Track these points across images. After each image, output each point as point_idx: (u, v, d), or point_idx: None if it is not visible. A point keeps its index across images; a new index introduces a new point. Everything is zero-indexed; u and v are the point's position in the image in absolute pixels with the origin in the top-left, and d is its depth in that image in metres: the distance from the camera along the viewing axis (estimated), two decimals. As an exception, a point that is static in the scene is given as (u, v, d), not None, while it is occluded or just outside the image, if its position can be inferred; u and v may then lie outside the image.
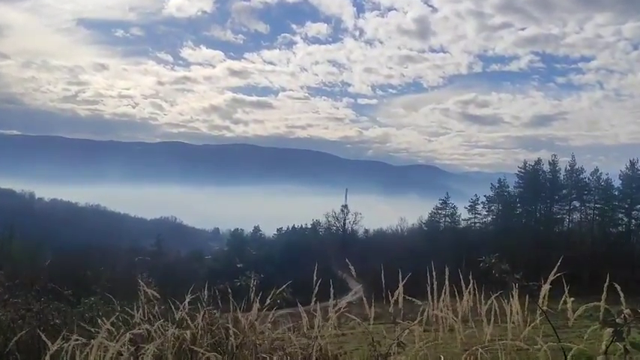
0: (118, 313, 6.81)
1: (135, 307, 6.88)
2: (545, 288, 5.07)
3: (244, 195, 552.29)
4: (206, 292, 7.17)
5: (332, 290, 6.03)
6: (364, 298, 5.96)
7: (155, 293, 7.19)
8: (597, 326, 4.38)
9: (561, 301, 4.95)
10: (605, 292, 4.75)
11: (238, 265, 7.80)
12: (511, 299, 5.44)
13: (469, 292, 5.64)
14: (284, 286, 6.73)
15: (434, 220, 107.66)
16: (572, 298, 4.88)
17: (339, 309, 5.99)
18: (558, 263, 5.12)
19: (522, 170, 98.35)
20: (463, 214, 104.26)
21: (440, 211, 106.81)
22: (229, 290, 7.10)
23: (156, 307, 7.05)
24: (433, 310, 5.65)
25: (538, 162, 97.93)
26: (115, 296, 8.69)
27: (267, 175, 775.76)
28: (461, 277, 5.68)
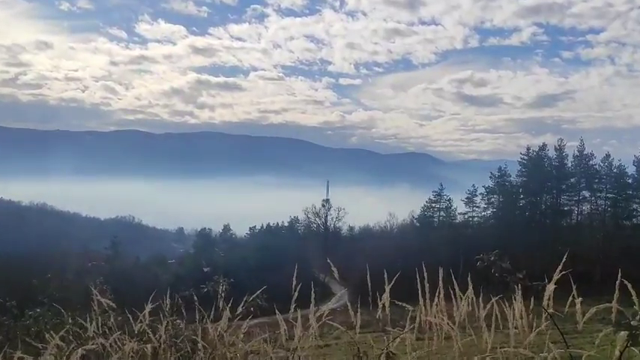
0: (68, 327, 6.75)
1: (88, 319, 6.83)
2: (551, 288, 5.10)
3: (212, 190, 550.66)
4: (169, 300, 7.14)
5: (313, 296, 6.04)
6: (349, 304, 5.97)
7: (111, 303, 7.14)
8: (610, 330, 4.40)
9: (569, 303, 5.00)
10: (618, 292, 4.78)
11: (205, 270, 7.77)
12: (513, 302, 5.47)
13: (467, 294, 5.67)
14: (258, 292, 6.72)
15: (427, 215, 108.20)
16: (580, 299, 4.93)
17: (321, 316, 5.99)
18: (564, 259, 5.14)
19: (525, 157, 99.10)
20: (459, 207, 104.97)
21: (433, 205, 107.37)
22: (196, 298, 7.08)
23: (112, 319, 7.01)
24: (426, 315, 5.67)
25: (543, 147, 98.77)
26: (64, 307, 8.61)
27: (238, 166, 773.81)
28: (455, 277, 5.70)
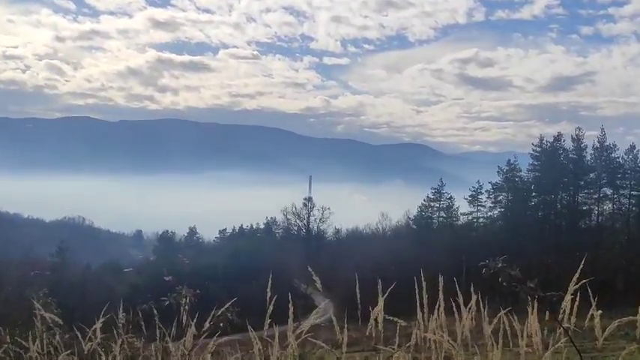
0: (6, 346, 6.71)
1: (30, 338, 6.78)
2: (567, 300, 5.11)
3: (175, 187, 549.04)
4: (124, 314, 7.10)
5: (291, 309, 6.01)
6: (334, 319, 5.96)
7: (56, 318, 7.09)
8: (634, 347, 4.42)
9: (588, 316, 5.01)
10: (644, 304, 4.80)
11: (167, 279, 7.73)
12: (524, 315, 5.48)
13: (470, 307, 5.68)
14: (228, 305, 6.69)
15: (424, 216, 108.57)
16: (600, 312, 4.94)
17: (302, 333, 5.98)
18: (581, 265, 5.13)
19: (538, 149, 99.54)
20: (462, 206, 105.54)
21: (432, 204, 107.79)
22: (156, 312, 7.04)
23: (57, 337, 6.96)
24: (424, 331, 5.68)
25: (558, 137, 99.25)
26: (3, 323, 8.56)
27: (206, 160, 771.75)
28: (457, 287, 5.71)
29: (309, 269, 7.02)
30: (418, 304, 5.71)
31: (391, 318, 5.75)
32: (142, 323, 7.26)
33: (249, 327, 6.28)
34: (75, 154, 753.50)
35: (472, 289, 5.72)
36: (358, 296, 6.12)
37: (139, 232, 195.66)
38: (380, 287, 5.75)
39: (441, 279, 5.74)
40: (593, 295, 5.24)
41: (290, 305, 5.98)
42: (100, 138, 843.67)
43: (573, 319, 5.14)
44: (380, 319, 5.70)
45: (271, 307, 6.24)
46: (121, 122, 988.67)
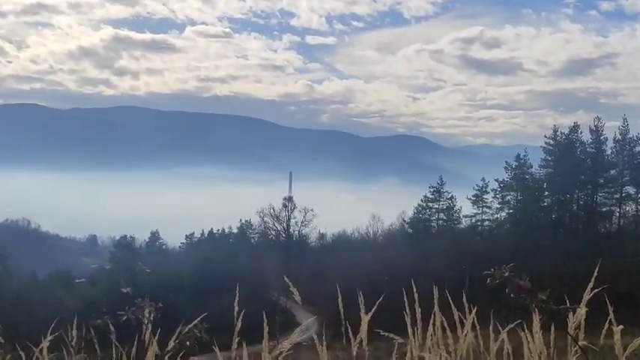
0: None
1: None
2: (581, 313, 5.13)
3: (135, 185, 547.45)
4: (76, 331, 7.09)
5: (266, 328, 6.01)
6: (315, 337, 5.97)
7: (-3, 335, 7.06)
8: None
9: (605, 332, 5.02)
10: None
11: (125, 291, 7.72)
12: (533, 331, 5.50)
13: (470, 321, 5.70)
14: (196, 321, 6.70)
15: (422, 218, 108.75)
16: (621, 327, 4.96)
17: (280, 354, 5.99)
18: (595, 273, 5.14)
19: (551, 141, 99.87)
20: (465, 208, 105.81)
21: (431, 205, 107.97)
22: (112, 328, 7.04)
23: (-1, 357, 6.95)
24: (420, 350, 5.70)
25: (574, 129, 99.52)
26: None
27: (170, 153, 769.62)
28: (458, 299, 5.74)
29: (287, 280, 7.01)
30: (411, 318, 5.73)
31: (386, 334, 5.76)
32: (96, 341, 7.25)
33: (215, 347, 6.28)
34: (19, 147, 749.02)
35: (475, 301, 5.75)
36: (342, 311, 6.12)
37: (93, 236, 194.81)
38: (361, 300, 5.74)
39: (435, 290, 5.75)
40: (614, 309, 5.23)
41: (265, 322, 5.98)
42: (48, 128, 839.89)
43: (587, 335, 5.15)
44: (364, 338, 5.69)
45: (239, 324, 6.24)
46: (72, 110, 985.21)
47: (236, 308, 6.28)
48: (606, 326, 5.04)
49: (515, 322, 5.72)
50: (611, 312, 5.15)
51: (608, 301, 5.32)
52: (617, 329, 4.95)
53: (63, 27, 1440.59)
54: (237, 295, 6.37)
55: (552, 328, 5.42)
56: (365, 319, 5.64)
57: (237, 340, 6.10)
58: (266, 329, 5.95)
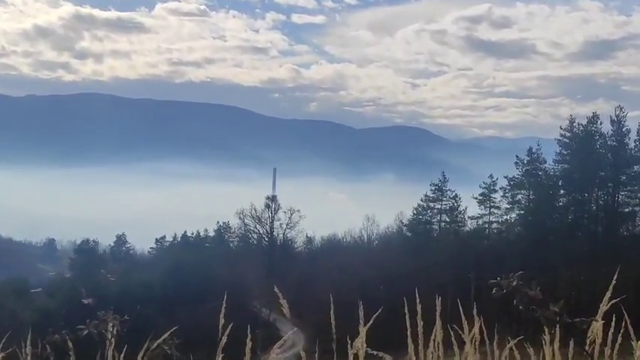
0: None
1: None
2: (597, 326, 5.13)
3: (98, 182, 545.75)
4: (30, 347, 7.08)
5: (249, 343, 6.02)
6: (303, 354, 5.98)
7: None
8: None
9: (617, 344, 5.03)
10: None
11: (87, 302, 7.72)
12: (544, 346, 5.51)
13: (474, 335, 5.70)
14: (167, 334, 6.69)
15: (422, 220, 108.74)
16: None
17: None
18: (614, 281, 5.12)
19: (567, 133, 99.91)
20: (471, 208, 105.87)
21: (432, 205, 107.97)
22: (71, 344, 7.03)
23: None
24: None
25: (593, 119, 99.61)
26: None
27: (138, 147, 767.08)
28: (462, 311, 5.74)
29: (276, 290, 7.00)
30: (410, 333, 5.73)
31: (376, 353, 5.74)
32: (53, 359, 7.24)
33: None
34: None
35: (480, 313, 5.76)
36: (333, 324, 6.12)
37: (51, 241, 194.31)
38: (362, 312, 5.74)
39: (438, 301, 5.75)
40: (636, 321, 5.22)
41: (248, 337, 5.98)
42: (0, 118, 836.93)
43: (605, 350, 5.15)
44: (361, 354, 5.69)
45: (224, 338, 6.23)
46: (27, 97, 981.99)
47: (221, 321, 6.25)
48: (619, 340, 5.03)
49: (518, 338, 5.71)
50: (629, 325, 5.15)
51: (626, 313, 5.30)
52: (638, 345, 4.95)
53: (16, 3, 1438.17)
54: (224, 305, 6.33)
55: (568, 343, 5.41)
56: (363, 332, 5.64)
57: (221, 357, 6.10)
58: (248, 345, 5.96)
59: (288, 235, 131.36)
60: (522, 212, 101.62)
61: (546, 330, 5.35)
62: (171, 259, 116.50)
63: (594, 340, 5.04)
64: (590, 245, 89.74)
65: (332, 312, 6.24)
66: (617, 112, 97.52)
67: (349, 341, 5.75)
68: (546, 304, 5.27)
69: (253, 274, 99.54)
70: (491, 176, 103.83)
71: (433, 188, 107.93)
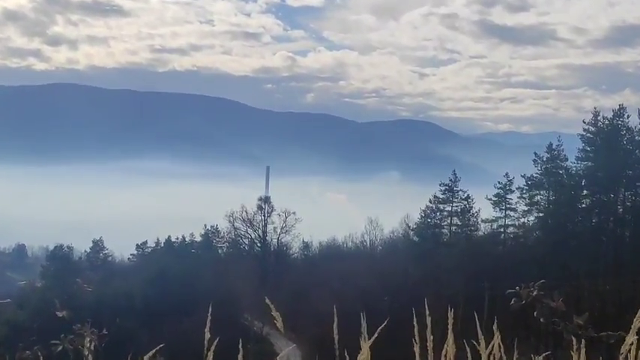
0: None
1: None
2: (629, 342, 5.12)
3: (73, 182, 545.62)
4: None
5: (241, 357, 6.02)
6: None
7: None
8: None
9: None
10: None
11: (61, 315, 7.73)
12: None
13: (491, 350, 5.69)
14: (152, 353, 6.70)
15: (431, 224, 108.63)
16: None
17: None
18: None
19: (591, 128, 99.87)
20: (484, 210, 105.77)
21: (442, 207, 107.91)
22: (43, 361, 7.03)
23: None
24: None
25: (619, 112, 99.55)
26: None
27: (117, 143, 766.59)
28: (476, 323, 5.73)
29: (268, 302, 6.99)
30: (417, 349, 5.72)
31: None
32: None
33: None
34: None
35: (495, 325, 5.74)
36: (336, 339, 6.12)
37: (21, 246, 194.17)
38: (364, 325, 5.74)
39: (451, 313, 5.75)
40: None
41: (240, 353, 5.99)
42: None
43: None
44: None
45: (211, 355, 6.23)
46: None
47: (207, 335, 6.24)
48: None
49: (544, 354, 5.70)
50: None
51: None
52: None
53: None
54: (209, 317, 6.33)
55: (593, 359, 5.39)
56: (365, 347, 5.63)
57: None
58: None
59: (283, 240, 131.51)
60: (541, 215, 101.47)
61: (570, 344, 5.31)
62: (153, 266, 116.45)
63: (626, 358, 5.02)
64: (617, 251, 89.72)
65: (335, 325, 6.19)
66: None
67: (347, 356, 5.75)
68: (570, 316, 5.26)
69: (244, 284, 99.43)
70: (506, 175, 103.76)
71: (443, 188, 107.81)
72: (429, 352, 5.67)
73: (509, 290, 5.32)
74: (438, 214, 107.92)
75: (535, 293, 5.22)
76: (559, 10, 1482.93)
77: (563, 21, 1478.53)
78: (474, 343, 5.68)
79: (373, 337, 5.64)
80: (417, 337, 5.73)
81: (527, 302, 5.24)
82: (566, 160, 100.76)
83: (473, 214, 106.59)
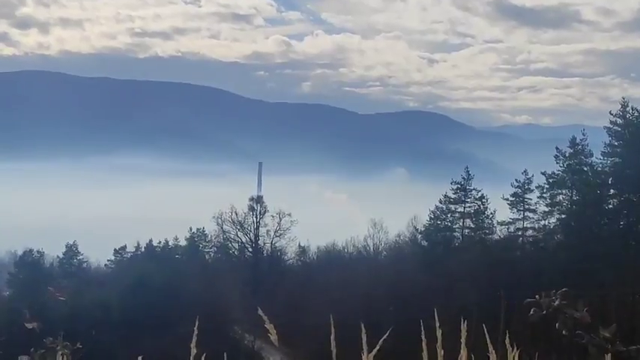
0: None
1: None
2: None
3: (44, 180, 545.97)
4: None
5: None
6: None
7: None
8: None
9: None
10: None
11: (31, 327, 7.75)
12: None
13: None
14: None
15: (441, 226, 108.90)
16: None
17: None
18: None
19: (619, 120, 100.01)
20: (500, 211, 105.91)
21: (454, 207, 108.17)
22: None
23: None
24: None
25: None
26: None
27: (93, 136, 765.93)
28: (491, 336, 5.75)
29: (260, 312, 6.99)
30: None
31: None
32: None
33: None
34: None
35: (514, 338, 5.76)
36: (334, 352, 6.14)
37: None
38: (365, 338, 5.75)
39: (463, 325, 5.77)
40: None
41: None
42: None
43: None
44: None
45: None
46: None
47: (193, 350, 6.26)
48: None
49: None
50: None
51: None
52: None
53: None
54: (195, 331, 6.35)
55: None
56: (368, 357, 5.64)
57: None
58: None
59: (277, 244, 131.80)
60: (563, 217, 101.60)
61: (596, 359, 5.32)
62: (133, 273, 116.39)
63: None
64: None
65: (332, 337, 6.21)
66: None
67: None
68: (595, 328, 5.26)
69: (234, 293, 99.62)
70: (525, 172, 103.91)
71: (454, 187, 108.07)
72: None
73: (528, 300, 5.31)
74: (448, 215, 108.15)
75: (557, 303, 5.21)
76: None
77: (588, 1, 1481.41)
78: (489, 358, 5.70)
79: (374, 351, 5.64)
80: (425, 352, 5.74)
81: (548, 313, 5.23)
82: (591, 155, 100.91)
83: (487, 215, 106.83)
